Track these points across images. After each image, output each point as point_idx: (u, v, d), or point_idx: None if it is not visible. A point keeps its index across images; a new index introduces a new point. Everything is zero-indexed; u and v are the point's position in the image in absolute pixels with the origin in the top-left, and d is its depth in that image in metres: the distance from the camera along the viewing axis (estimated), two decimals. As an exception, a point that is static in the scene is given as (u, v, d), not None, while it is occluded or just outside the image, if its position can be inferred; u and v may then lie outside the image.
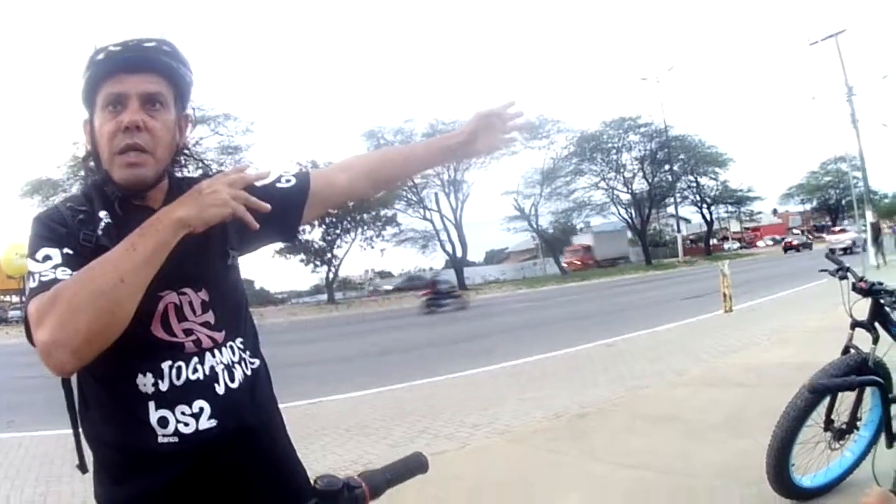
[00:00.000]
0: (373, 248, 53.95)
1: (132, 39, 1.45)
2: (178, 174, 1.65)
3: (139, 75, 1.45)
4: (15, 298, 35.44)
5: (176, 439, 1.41)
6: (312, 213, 1.72)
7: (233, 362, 1.53)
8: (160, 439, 1.41)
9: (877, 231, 28.61)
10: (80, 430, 1.53)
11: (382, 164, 1.85)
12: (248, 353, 1.59)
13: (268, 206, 1.47)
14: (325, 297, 50.71)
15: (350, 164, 1.80)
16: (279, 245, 42.19)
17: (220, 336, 1.52)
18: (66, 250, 1.37)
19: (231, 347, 1.54)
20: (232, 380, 1.50)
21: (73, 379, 1.49)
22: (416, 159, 1.89)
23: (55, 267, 1.33)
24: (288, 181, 1.68)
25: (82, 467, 1.56)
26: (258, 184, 1.59)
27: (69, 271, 1.33)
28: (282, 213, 1.59)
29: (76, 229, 1.42)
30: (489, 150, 1.89)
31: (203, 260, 1.52)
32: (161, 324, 1.45)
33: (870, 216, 30.14)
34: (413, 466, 1.41)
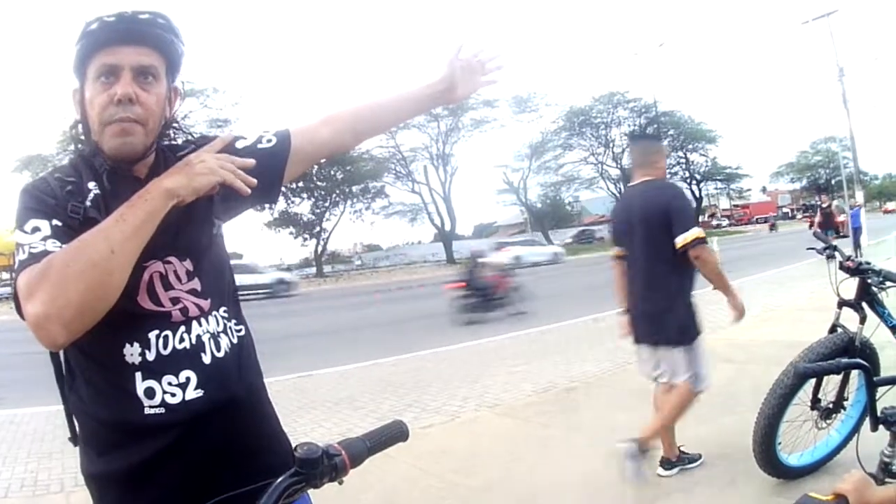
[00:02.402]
0: (362, 221, 53.93)
1: (127, 11, 1.43)
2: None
3: (133, 47, 1.44)
4: (4, 275, 35.01)
5: (162, 410, 1.41)
6: (295, 171, 1.71)
7: (218, 332, 1.53)
8: (147, 410, 1.41)
9: (827, 217, 20.90)
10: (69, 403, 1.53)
11: (364, 114, 1.83)
12: (232, 321, 1.60)
13: (254, 180, 1.48)
14: (313, 270, 50.61)
15: (331, 117, 1.77)
16: (268, 217, 41.98)
17: (206, 304, 1.52)
18: (55, 222, 1.37)
19: (216, 317, 1.54)
20: (218, 349, 1.51)
21: (61, 352, 1.49)
22: (397, 108, 1.88)
23: (45, 238, 1.33)
24: (269, 141, 1.66)
25: (74, 440, 1.56)
26: (239, 146, 1.61)
27: (59, 243, 1.32)
28: (264, 174, 1.57)
29: (64, 200, 1.41)
30: (470, 94, 1.89)
31: (188, 229, 1.51)
32: (147, 293, 1.45)
33: (860, 196, 28.67)
34: (393, 434, 1.41)
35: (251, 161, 1.53)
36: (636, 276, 4.17)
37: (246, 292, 25.73)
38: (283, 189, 1.72)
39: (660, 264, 3.99)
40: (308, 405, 7.26)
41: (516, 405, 6.52)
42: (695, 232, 3.86)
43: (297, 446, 1.24)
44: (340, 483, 1.30)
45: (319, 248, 50.62)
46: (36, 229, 1.34)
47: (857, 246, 21.44)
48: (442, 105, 1.90)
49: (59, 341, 1.27)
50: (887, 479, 1.96)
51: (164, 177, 1.41)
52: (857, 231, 22.40)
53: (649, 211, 4.00)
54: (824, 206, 21.51)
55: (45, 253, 1.29)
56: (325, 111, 1.80)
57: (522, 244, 39.81)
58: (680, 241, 3.84)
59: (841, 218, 23.73)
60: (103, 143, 1.45)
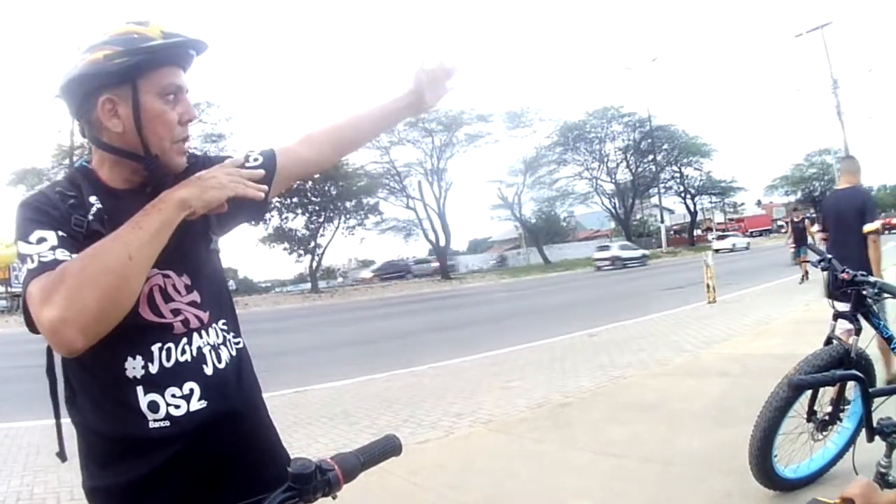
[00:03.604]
0: (353, 235, 53.94)
1: (195, 38, 1.52)
2: None
3: (183, 70, 1.54)
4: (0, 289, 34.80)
5: (167, 423, 1.41)
6: (278, 189, 1.76)
7: (218, 344, 1.55)
8: (151, 424, 1.41)
9: (800, 233, 18.79)
10: (68, 418, 1.52)
11: (340, 130, 1.88)
12: (231, 334, 1.62)
13: (265, 187, 1.54)
14: (308, 285, 50.53)
15: (309, 137, 1.83)
16: (263, 233, 41.92)
17: (205, 316, 1.54)
18: (60, 233, 1.37)
19: (216, 329, 1.56)
20: (219, 360, 1.52)
21: (59, 366, 1.48)
22: (371, 122, 1.93)
23: (53, 248, 1.33)
24: (255, 160, 1.69)
25: (62, 455, 1.56)
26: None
27: (68, 253, 1.32)
28: None
29: (67, 213, 1.41)
30: (437, 101, 1.93)
31: (186, 244, 1.52)
32: (148, 305, 1.45)
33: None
34: (387, 449, 1.41)
35: (260, 172, 1.58)
36: (837, 249, 5.74)
37: (629, 262, 44.81)
38: (276, 205, 1.74)
39: (855, 239, 5.83)
40: (304, 420, 7.22)
41: (510, 421, 6.49)
42: (874, 225, 5.81)
43: (290, 461, 1.24)
44: (334, 498, 1.30)
45: (314, 264, 50.50)
46: (42, 240, 1.34)
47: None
48: (413, 115, 1.95)
49: (75, 346, 1.25)
50: (884, 490, 1.95)
51: (177, 188, 1.43)
52: None
53: (856, 206, 5.90)
54: (797, 220, 19.88)
55: (56, 262, 1.29)
56: (303, 130, 1.85)
57: (733, 236, 60.23)
58: (866, 228, 5.74)
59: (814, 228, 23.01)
60: (169, 159, 1.51)
